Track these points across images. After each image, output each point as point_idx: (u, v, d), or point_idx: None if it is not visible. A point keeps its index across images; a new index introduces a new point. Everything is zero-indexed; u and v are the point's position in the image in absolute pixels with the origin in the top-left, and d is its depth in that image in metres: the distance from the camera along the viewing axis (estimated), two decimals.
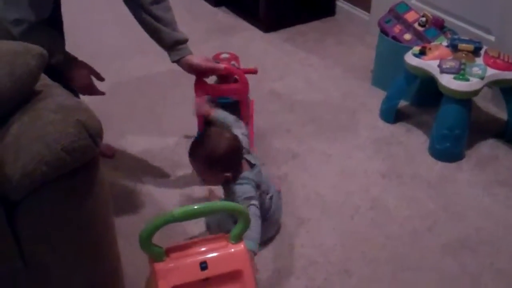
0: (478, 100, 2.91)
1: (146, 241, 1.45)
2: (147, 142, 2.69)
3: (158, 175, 2.50)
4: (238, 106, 2.37)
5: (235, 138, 1.98)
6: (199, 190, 2.37)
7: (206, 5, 4.16)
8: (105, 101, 2.42)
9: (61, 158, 1.24)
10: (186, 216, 1.48)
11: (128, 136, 2.73)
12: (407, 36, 2.93)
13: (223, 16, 3.97)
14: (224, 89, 2.36)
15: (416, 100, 2.97)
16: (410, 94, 2.90)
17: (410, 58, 2.67)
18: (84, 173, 1.34)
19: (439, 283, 1.98)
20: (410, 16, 2.97)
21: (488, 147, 2.67)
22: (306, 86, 3.18)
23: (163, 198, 2.35)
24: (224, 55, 2.51)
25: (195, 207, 1.47)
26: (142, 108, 2.95)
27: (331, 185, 2.44)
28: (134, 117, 2.89)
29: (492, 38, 2.93)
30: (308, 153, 2.64)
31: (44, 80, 1.46)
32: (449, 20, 3.05)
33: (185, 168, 2.37)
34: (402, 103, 2.92)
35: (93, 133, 1.31)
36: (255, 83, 2.60)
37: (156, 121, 2.85)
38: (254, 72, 2.42)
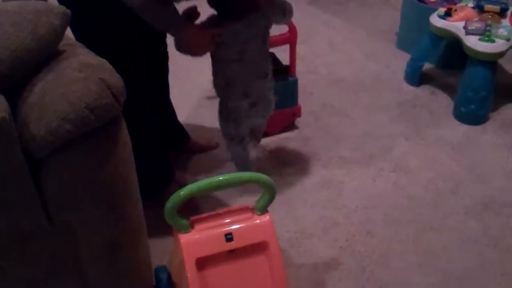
0: (504, 62, 2.87)
1: (171, 213, 1.45)
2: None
3: None
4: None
5: None
6: (222, 153, 2.38)
7: None
8: None
9: (84, 116, 1.24)
10: (211, 188, 1.48)
11: None
12: None
13: None
14: (276, 39, 2.37)
15: (441, 62, 2.93)
16: (435, 56, 2.87)
17: (435, 20, 2.63)
18: (107, 131, 1.34)
19: (462, 244, 1.98)
20: None
21: None
22: (330, 49, 3.16)
23: (185, 161, 2.38)
24: None
25: (221, 178, 1.46)
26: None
27: (353, 148, 2.44)
28: None
29: None
30: (331, 115, 2.63)
31: (67, 39, 1.47)
32: None
33: (209, 131, 2.39)
34: (427, 66, 2.89)
35: (116, 91, 1.31)
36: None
37: (181, 85, 2.84)
38: None
